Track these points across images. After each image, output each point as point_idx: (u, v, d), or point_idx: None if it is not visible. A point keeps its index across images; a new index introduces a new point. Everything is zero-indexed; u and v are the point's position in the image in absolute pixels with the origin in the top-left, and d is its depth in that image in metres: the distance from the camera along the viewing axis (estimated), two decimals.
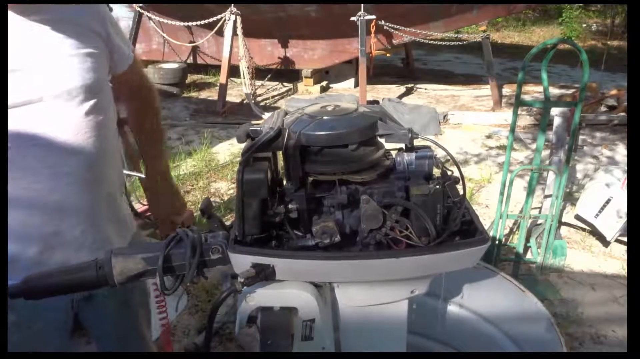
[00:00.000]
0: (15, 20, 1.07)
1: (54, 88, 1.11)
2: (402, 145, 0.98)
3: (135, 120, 1.51)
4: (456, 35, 7.02)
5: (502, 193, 2.81)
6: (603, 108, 6.10)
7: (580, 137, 5.16)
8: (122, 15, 7.34)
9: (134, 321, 1.49)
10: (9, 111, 1.05)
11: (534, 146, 4.29)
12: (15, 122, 1.06)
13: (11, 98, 1.05)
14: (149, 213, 3.13)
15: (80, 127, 1.16)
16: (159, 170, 1.53)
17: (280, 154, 0.95)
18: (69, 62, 1.14)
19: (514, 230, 3.47)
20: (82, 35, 1.16)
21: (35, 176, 1.12)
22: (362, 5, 6.16)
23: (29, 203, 1.12)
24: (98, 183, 1.22)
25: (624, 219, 3.05)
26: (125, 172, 2.90)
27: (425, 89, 7.94)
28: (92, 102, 1.17)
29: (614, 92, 6.27)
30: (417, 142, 0.97)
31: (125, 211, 1.40)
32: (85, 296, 1.29)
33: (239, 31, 6.54)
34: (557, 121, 3.15)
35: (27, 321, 1.18)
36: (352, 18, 6.25)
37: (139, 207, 3.19)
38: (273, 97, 7.70)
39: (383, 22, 6.28)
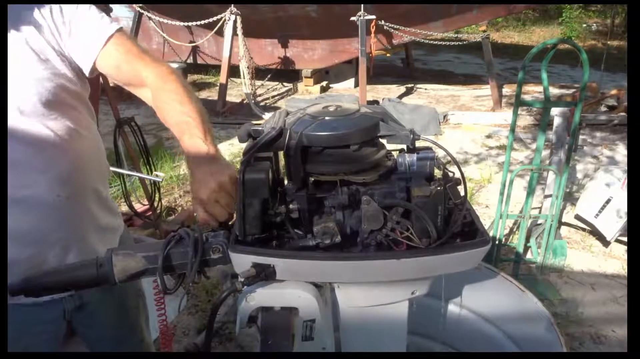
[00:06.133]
0: None
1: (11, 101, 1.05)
2: (404, 146, 0.98)
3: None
4: (456, 35, 7.01)
5: (502, 193, 2.81)
6: (603, 108, 6.10)
7: (580, 137, 5.16)
8: (122, 15, 7.34)
9: (132, 325, 1.47)
10: None
11: (534, 146, 4.30)
12: None
13: None
14: (149, 213, 3.15)
15: (43, 143, 1.09)
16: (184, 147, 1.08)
17: (281, 154, 0.95)
18: (21, 76, 1.06)
19: (514, 230, 3.47)
20: (34, 45, 1.07)
21: None
22: (362, 5, 6.16)
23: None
24: (74, 200, 1.17)
25: (624, 219, 3.05)
26: (126, 172, 2.92)
27: (425, 89, 7.94)
28: (54, 116, 1.10)
29: (614, 92, 6.27)
30: (418, 143, 0.97)
31: (108, 219, 1.32)
32: (77, 305, 1.27)
33: (239, 31, 6.53)
34: (557, 121, 3.15)
35: (17, 336, 1.14)
36: (352, 18, 6.25)
37: (139, 207, 3.20)
38: (273, 97, 7.70)
39: (383, 22, 6.27)
